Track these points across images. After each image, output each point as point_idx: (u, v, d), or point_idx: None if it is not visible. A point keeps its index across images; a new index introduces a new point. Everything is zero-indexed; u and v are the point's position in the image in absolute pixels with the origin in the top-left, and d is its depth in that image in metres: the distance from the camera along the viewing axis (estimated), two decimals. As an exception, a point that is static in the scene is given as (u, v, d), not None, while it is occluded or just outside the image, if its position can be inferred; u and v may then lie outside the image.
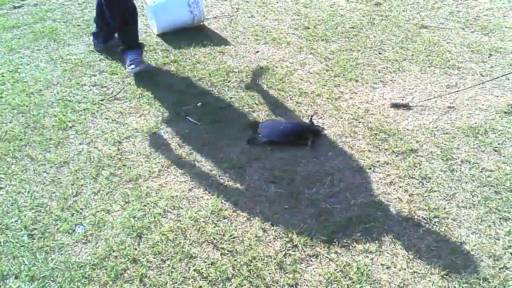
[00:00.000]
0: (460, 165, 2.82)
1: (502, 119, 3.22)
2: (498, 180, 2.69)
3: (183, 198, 2.65)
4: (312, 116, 3.23)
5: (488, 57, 4.06)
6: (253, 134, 3.13)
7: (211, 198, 2.65)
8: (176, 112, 3.41)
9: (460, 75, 3.81)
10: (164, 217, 2.55)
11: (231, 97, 3.60)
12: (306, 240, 2.38)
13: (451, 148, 2.95)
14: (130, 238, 2.43)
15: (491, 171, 2.76)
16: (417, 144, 3.00)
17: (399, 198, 2.60)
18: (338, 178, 2.76)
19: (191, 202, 2.64)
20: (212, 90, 3.71)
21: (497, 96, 3.50)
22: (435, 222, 2.46)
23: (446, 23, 4.71)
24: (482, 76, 3.78)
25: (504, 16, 4.79)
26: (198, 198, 2.66)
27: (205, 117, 3.34)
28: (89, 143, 3.14)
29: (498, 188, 2.63)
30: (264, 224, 2.48)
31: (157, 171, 2.86)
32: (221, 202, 2.62)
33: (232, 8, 5.18)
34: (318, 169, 2.82)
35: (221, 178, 2.78)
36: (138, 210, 2.60)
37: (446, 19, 4.78)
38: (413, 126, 3.19)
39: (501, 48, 4.19)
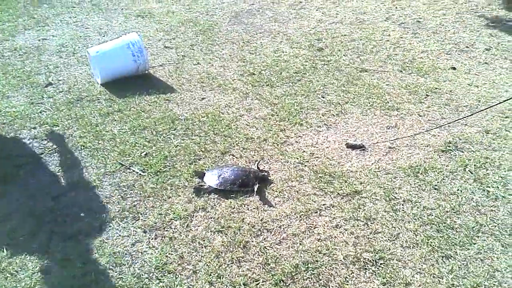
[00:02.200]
0: (402, 205, 2.88)
1: (440, 158, 3.35)
2: (439, 218, 2.76)
3: (125, 254, 2.55)
4: (258, 162, 3.24)
5: (425, 98, 4.26)
6: (199, 183, 3.08)
7: (155, 252, 2.56)
8: (120, 163, 3.32)
9: (399, 116, 3.95)
10: (105, 276, 2.43)
11: (177, 145, 3.56)
12: (254, 291, 2.32)
13: (393, 188, 3.02)
14: (69, 301, 2.29)
15: (432, 209, 2.84)
16: (360, 185, 3.05)
17: (345, 241, 2.61)
18: (285, 224, 2.74)
19: (134, 257, 2.53)
20: (157, 138, 3.67)
21: (435, 136, 3.64)
22: (380, 264, 2.47)
23: (385, 66, 4.93)
24: (420, 116, 3.94)
25: (437, 58, 5.08)
26: (141, 252, 2.57)
27: (150, 167, 3.27)
28: (29, 197, 2.99)
29: (439, 226, 2.69)
30: (211, 277, 2.41)
31: (99, 226, 2.75)
32: (166, 256, 2.53)
33: (178, 55, 5.22)
34: (265, 216, 2.80)
35: (166, 231, 2.70)
36: (78, 268, 2.46)
37: (385, 62, 5.00)
38: (356, 168, 3.25)
39: (436, 88, 4.42)
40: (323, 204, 2.89)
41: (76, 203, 2.94)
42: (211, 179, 3.03)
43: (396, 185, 3.06)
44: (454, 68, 4.91)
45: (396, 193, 2.99)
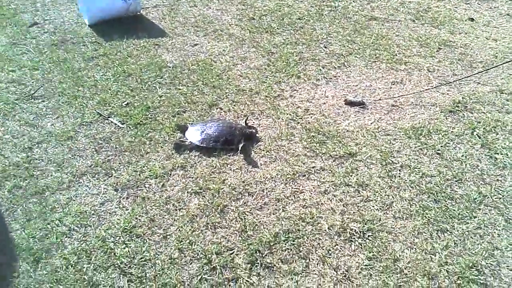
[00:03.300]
0: (399, 170, 2.61)
1: (446, 119, 3.04)
2: (438, 186, 2.50)
3: (92, 214, 2.35)
4: (246, 118, 2.96)
5: (437, 51, 3.89)
6: (180, 138, 2.83)
7: (124, 214, 2.35)
8: (99, 112, 3.07)
9: (407, 70, 3.62)
10: (69, 237, 2.25)
11: (162, 96, 3.29)
12: (226, 261, 2.12)
13: (391, 151, 2.75)
14: (26, 263, 2.11)
15: (431, 176, 2.57)
16: (356, 147, 2.78)
17: (332, 209, 2.38)
18: (269, 187, 2.51)
19: (101, 218, 2.33)
20: (142, 87, 3.39)
21: (443, 94, 3.32)
22: (368, 236, 2.25)
23: (396, 14, 4.52)
24: (429, 71, 3.59)
25: (455, 8, 4.64)
26: (110, 213, 2.37)
27: (130, 118, 3.03)
28: (-4, 149, 2.79)
29: (437, 196, 2.44)
30: (181, 243, 2.21)
31: (67, 182, 2.55)
32: (136, 218, 2.33)
33: (173, -4, 4.82)
34: (248, 178, 2.56)
35: (139, 190, 2.49)
36: (40, 229, 2.28)
37: (397, 10, 4.59)
38: (353, 127, 2.97)
39: (450, 41, 4.03)
40: (313, 167, 2.64)
41: (46, 157, 2.71)
42: (193, 135, 2.78)
43: (394, 148, 2.78)
44: (472, 19, 4.48)
45: (394, 157, 2.71)
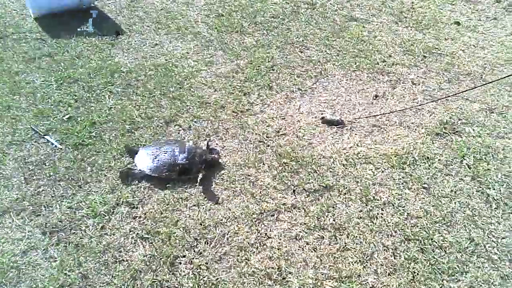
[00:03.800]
0: (382, 209, 2.25)
1: (433, 143, 2.69)
2: (425, 231, 2.15)
3: (11, 268, 1.91)
4: (208, 140, 2.54)
5: (421, 60, 3.53)
6: (128, 164, 2.39)
7: (51, 267, 1.92)
8: (33, 128, 2.59)
9: (390, 82, 3.25)
10: (-21, 301, 1.79)
11: (111, 108, 2.82)
12: (174, 336, 1.71)
13: (373, 184, 2.38)
14: None
15: (417, 217, 2.22)
16: (333, 178, 2.40)
17: (304, 261, 2.00)
18: (231, 231, 2.11)
19: (21, 274, 1.90)
20: (89, 96, 2.92)
21: (429, 112, 2.96)
22: (346, 299, 1.87)
23: (378, 14, 4.13)
24: (414, 84, 3.22)
25: (440, 9, 4.29)
26: (33, 266, 1.95)
27: (71, 136, 2.57)
28: None
29: (425, 244, 2.10)
30: (119, 310, 1.78)
31: (-15, 223, 2.07)
32: (65, 274, 1.90)
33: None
34: (207, 219, 2.16)
35: (73, 233, 2.05)
36: None
37: (379, 10, 4.21)
38: (331, 152, 2.58)
39: (435, 48, 3.67)
40: (283, 204, 2.25)
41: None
42: (144, 161, 2.34)
43: (376, 180, 2.42)
44: (458, 23, 4.14)
45: (376, 192, 2.35)
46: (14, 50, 3.36)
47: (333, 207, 2.26)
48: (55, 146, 2.51)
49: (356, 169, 2.49)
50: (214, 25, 3.85)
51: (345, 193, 2.34)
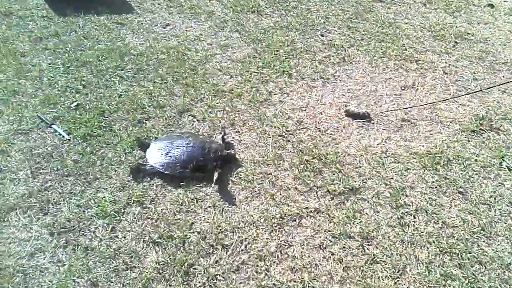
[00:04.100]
0: (414, 217, 2.07)
1: (469, 141, 2.48)
2: (462, 243, 1.96)
3: (17, 271, 1.76)
4: (223, 133, 2.34)
5: (453, 47, 3.28)
6: (139, 160, 2.21)
7: (59, 272, 1.77)
8: (40, 116, 2.41)
9: (419, 70, 3.02)
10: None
11: (121, 94, 2.63)
12: None
13: (403, 187, 2.18)
14: None
15: (454, 226, 2.03)
16: (359, 179, 2.21)
17: (329, 274, 1.83)
18: (249, 237, 1.93)
19: (28, 279, 1.75)
20: (97, 82, 2.73)
21: (463, 105, 2.73)
22: (376, 318, 1.70)
23: (405, -5, 3.84)
24: (445, 73, 2.99)
25: (471, -10, 3.98)
26: (41, 270, 1.80)
27: (79, 126, 2.41)
28: None
29: (462, 258, 1.91)
30: (130, 325, 1.63)
31: (-11, 221, 1.92)
32: (73, 280, 1.74)
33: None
34: (223, 221, 1.98)
35: (82, 235, 1.90)
36: None
37: (405, -9, 3.90)
38: (356, 149, 2.38)
39: (468, 33, 3.42)
40: (306, 207, 2.06)
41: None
42: (156, 157, 2.16)
43: (407, 182, 2.23)
44: (492, 6, 3.87)
45: (407, 196, 2.16)
46: (20, 29, 3.17)
47: (360, 213, 2.08)
48: (63, 136, 2.32)
49: (385, 169, 2.30)
50: (230, 4, 3.62)
51: (373, 197, 2.15)
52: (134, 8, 3.46)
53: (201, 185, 2.17)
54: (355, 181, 2.23)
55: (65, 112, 2.51)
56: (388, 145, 2.45)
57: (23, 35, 3.11)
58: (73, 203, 2.03)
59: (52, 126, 2.39)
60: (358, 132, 2.53)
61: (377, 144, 2.46)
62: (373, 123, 2.59)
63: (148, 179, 2.17)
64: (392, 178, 2.27)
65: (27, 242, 1.87)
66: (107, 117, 2.50)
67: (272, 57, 3.06)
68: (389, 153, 2.40)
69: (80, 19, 3.29)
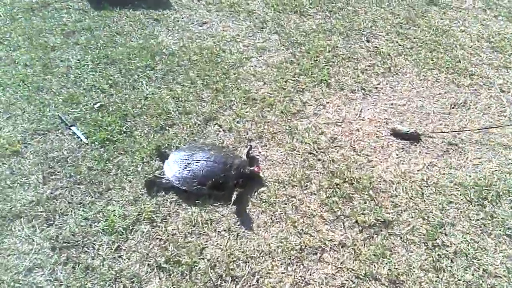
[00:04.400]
0: (451, 260, 1.83)
1: (523, 174, 2.16)
2: (507, 298, 1.68)
3: (11, 290, 1.65)
4: (249, 148, 2.16)
5: (514, 61, 2.92)
6: (156, 171, 2.08)
7: (55, 295, 1.64)
8: (60, 117, 2.33)
9: (472, 87, 2.71)
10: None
11: (147, 97, 2.51)
12: None
13: (442, 224, 1.92)
14: None
15: (496, 276, 1.77)
16: (394, 210, 1.97)
17: (349, 323, 1.60)
18: (262, 270, 1.75)
19: (21, 299, 1.63)
20: (125, 81, 2.62)
21: (520, 131, 2.41)
22: None
23: None
24: (503, 92, 2.67)
25: (540, -4, 3.57)
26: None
27: (99, 129, 2.31)
28: None
29: (505, 317, 1.63)
30: None
31: (-8, 229, 1.84)
32: (69, 305, 1.61)
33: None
34: (237, 249, 1.82)
35: (84, 251, 1.78)
36: None
37: (465, -6, 3.56)
38: (393, 175, 2.14)
39: (532, 47, 3.04)
40: (330, 240, 1.86)
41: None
42: (173, 169, 2.02)
43: (448, 218, 1.98)
44: None
45: (446, 235, 1.91)
46: (53, 22, 3.09)
47: (391, 251, 1.85)
48: (81, 140, 2.22)
49: (424, 200, 2.04)
50: (271, 2, 3.40)
51: (407, 233, 1.91)
52: (172, 3, 3.33)
53: (217, 204, 2.00)
54: (388, 213, 1.99)
55: (87, 113, 2.40)
56: (430, 172, 2.19)
57: (57, 28, 3.04)
58: (81, 215, 1.92)
59: (72, 128, 2.30)
60: (397, 155, 2.28)
61: (418, 170, 2.20)
62: (415, 145, 2.33)
63: (163, 193, 2.03)
64: (431, 212, 2.01)
65: (26, 255, 1.78)
66: (129, 121, 2.37)
67: (311, 63, 2.84)
68: (430, 182, 2.14)
69: (116, 13, 3.19)
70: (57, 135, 2.28)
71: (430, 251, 1.86)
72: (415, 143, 2.35)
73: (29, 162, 2.13)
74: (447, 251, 1.87)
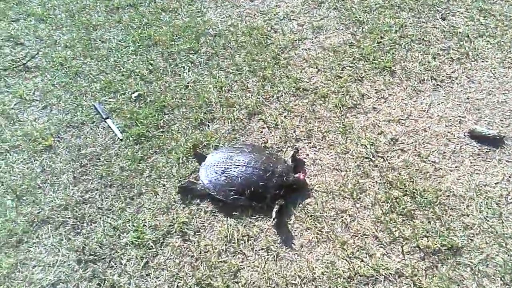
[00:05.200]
0: (533, 304, 1.47)
1: None
2: None
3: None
4: (296, 152, 1.90)
5: None
6: (191, 174, 1.89)
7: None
8: (97, 108, 2.19)
9: None
10: None
11: (188, 86, 2.31)
12: None
13: (523, 255, 1.59)
14: None
15: None
16: (464, 233, 1.67)
17: None
18: (304, 300, 1.51)
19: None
20: (166, 67, 2.42)
21: None
22: None
23: None
24: None
25: None
26: (59, 308, 1.54)
27: (135, 123, 2.14)
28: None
29: None
30: None
31: (20, 233, 1.74)
32: (90, 329, 1.48)
33: None
34: (274, 274, 1.62)
35: (112, 267, 1.64)
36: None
37: None
38: (465, 188, 1.81)
39: None
40: (385, 267, 1.60)
41: (7, 179, 1.93)
42: (209, 175, 1.82)
43: (530, 247, 1.61)
44: None
45: (527, 267, 1.56)
46: (92, -7, 2.90)
47: (458, 285, 1.55)
48: (115, 135, 2.05)
49: (502, 222, 1.71)
50: (333, -28, 3.00)
51: (479, 263, 1.60)
52: (221, -25, 3.03)
53: (256, 216, 1.77)
54: (457, 236, 1.68)
55: (124, 104, 2.24)
56: (511, 186, 1.82)
57: (101, 4, 2.85)
58: (110, 223, 1.76)
59: (107, 120, 2.12)
60: (471, 162, 1.93)
61: (496, 183, 1.85)
62: (495, 151, 1.95)
63: (198, 201, 1.82)
64: (510, 238, 1.67)
65: (51, 268, 1.66)
66: (167, 114, 2.18)
67: (374, 46, 2.48)
68: (510, 199, 1.79)
69: (163, -14, 2.94)
70: (91, 129, 2.13)
71: (505, 287, 1.54)
72: (494, 149, 1.96)
73: (61, 158, 2.00)
74: (527, 291, 1.53)
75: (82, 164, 1.99)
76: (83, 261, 1.68)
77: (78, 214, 1.81)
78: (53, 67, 2.45)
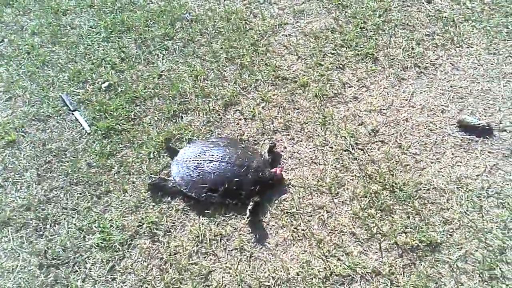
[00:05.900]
0: (514, 302, 1.43)
1: None
2: None
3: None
4: (273, 146, 1.82)
5: None
6: (163, 170, 1.80)
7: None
8: (65, 99, 2.08)
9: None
10: None
11: (161, 75, 2.20)
12: None
13: (504, 249, 1.57)
14: None
15: None
16: (444, 228, 1.62)
17: None
18: (277, 301, 1.46)
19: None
20: (139, 54, 2.30)
21: None
22: None
23: None
24: None
25: None
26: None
27: (104, 115, 2.02)
28: None
29: None
30: None
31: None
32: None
33: None
34: (247, 275, 1.55)
35: (76, 271, 1.57)
36: None
37: None
38: (446, 181, 1.75)
39: None
40: (362, 266, 1.55)
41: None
42: (181, 170, 1.74)
43: (510, 241, 1.56)
44: None
45: (508, 262, 1.52)
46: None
47: (436, 283, 1.50)
48: (83, 128, 1.95)
49: (482, 216, 1.65)
50: (315, -47, 2.87)
51: (458, 259, 1.54)
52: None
53: (230, 214, 1.69)
54: (436, 231, 1.63)
55: (93, 95, 2.13)
56: (492, 178, 1.77)
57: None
58: (74, 224, 1.69)
59: (74, 113, 2.02)
60: (453, 154, 1.87)
61: (477, 175, 1.79)
62: (477, 142, 1.89)
63: (169, 198, 1.74)
64: (490, 232, 1.63)
65: (10, 274, 1.58)
66: (138, 105, 2.08)
67: (357, 31, 2.39)
68: (491, 191, 1.74)
69: (136, -31, 2.80)
70: (58, 122, 2.03)
71: (486, 285, 1.49)
72: (477, 139, 1.89)
73: (24, 155, 1.91)
74: (507, 285, 1.48)
75: (47, 161, 1.89)
76: (45, 265, 1.60)
77: (41, 214, 1.72)
78: (19, 55, 2.33)
